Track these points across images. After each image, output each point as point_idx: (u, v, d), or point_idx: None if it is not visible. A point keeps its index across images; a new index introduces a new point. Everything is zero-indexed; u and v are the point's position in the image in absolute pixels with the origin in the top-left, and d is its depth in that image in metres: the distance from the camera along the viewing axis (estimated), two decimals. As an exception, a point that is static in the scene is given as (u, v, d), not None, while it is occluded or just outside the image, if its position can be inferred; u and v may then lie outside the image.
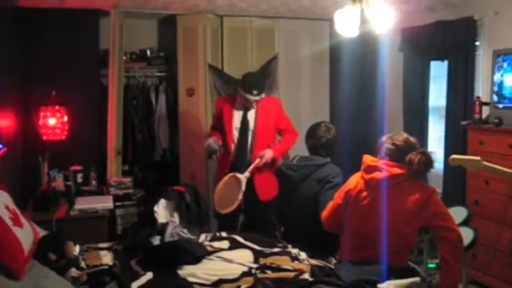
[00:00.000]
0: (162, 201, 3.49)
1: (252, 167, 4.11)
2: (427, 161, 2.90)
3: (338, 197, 3.21)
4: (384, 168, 2.94)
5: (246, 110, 4.29)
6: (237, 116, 4.30)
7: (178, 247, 3.15)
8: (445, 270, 2.82)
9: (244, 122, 4.28)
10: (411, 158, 2.90)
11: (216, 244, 3.40)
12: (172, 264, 3.00)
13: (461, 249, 2.88)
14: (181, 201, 3.54)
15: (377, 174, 2.94)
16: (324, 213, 3.29)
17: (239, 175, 4.02)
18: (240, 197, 3.92)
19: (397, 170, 2.91)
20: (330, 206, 3.26)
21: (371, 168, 2.99)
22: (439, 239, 2.85)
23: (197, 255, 3.10)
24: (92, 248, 3.36)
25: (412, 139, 3.04)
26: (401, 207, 2.89)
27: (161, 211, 3.46)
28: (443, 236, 2.82)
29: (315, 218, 3.38)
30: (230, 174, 4.08)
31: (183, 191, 3.61)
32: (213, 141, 4.24)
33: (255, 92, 4.17)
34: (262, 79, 4.52)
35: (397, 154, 2.96)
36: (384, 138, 3.08)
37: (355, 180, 3.12)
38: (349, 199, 3.09)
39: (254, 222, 4.37)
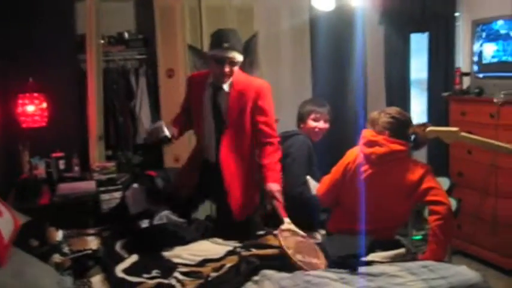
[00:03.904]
0: (135, 186, 3.45)
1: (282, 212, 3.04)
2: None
3: (336, 171, 3.19)
4: (384, 144, 2.95)
5: (216, 89, 3.23)
6: (207, 96, 3.26)
7: (167, 231, 3.14)
8: (434, 243, 2.84)
9: (216, 105, 3.24)
10: (415, 130, 2.95)
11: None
12: (158, 247, 2.99)
13: (451, 223, 2.91)
14: (152, 186, 3.49)
15: (377, 149, 2.96)
16: (321, 189, 3.26)
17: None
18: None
19: (397, 146, 2.94)
20: (327, 180, 3.24)
21: (371, 143, 3.01)
22: (430, 212, 2.88)
23: (186, 239, 3.09)
24: (78, 233, 3.34)
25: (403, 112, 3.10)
26: (399, 185, 2.93)
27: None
28: (433, 210, 2.85)
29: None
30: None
31: (154, 176, 3.56)
32: (166, 125, 3.18)
33: (225, 45, 3.07)
34: (235, 34, 3.20)
35: (398, 127, 2.99)
36: (376, 113, 3.09)
37: (353, 155, 3.12)
38: (348, 173, 3.10)
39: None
